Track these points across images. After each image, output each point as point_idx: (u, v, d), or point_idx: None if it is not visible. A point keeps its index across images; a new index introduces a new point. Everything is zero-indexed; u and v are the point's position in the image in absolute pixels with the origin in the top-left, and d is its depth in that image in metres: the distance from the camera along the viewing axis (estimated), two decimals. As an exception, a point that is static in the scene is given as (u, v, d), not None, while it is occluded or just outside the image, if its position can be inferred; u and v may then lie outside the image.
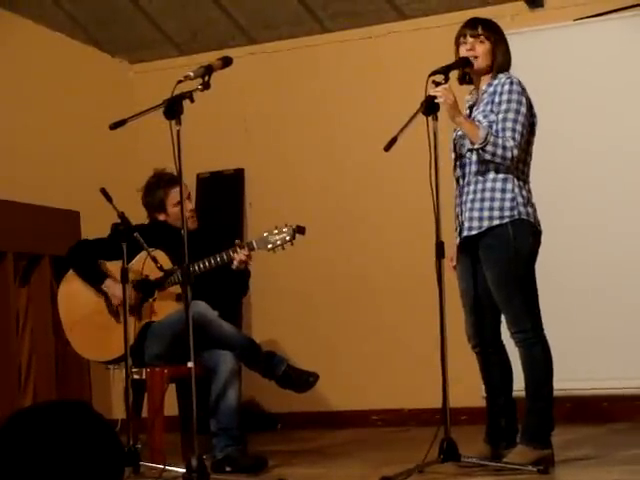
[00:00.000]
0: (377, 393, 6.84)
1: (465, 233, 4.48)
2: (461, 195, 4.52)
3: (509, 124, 4.36)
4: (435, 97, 4.29)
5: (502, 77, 4.47)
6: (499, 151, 4.32)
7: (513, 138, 4.34)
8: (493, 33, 4.52)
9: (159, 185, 5.32)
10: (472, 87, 4.62)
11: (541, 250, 4.49)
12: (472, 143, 4.38)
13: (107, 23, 7.08)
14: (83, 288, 5.19)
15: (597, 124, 6.34)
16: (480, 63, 4.49)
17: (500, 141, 4.32)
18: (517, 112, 4.38)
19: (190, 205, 5.32)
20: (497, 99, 4.42)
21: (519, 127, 4.37)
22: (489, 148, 4.32)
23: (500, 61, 4.51)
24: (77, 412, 3.89)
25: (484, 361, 4.59)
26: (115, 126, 4.47)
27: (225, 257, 4.99)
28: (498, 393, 4.57)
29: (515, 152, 4.33)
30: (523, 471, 4.20)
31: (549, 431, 4.42)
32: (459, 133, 4.51)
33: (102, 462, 3.84)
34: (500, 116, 4.39)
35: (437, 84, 4.34)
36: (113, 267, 5.11)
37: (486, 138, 4.31)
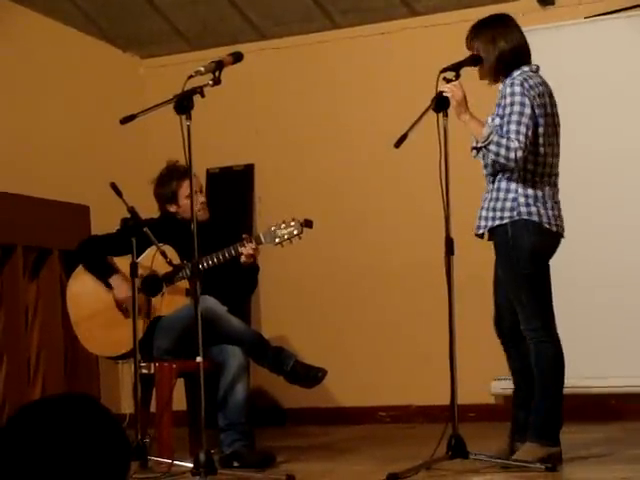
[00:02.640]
0: (385, 389, 6.84)
1: (475, 232, 4.51)
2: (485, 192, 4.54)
3: (513, 126, 4.32)
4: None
5: (510, 77, 4.41)
6: (502, 151, 4.29)
7: (517, 140, 4.30)
8: (481, 36, 4.45)
9: (172, 176, 5.30)
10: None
11: (550, 248, 4.49)
12: (477, 141, 4.38)
13: (118, 18, 7.09)
14: (92, 284, 5.19)
15: (608, 122, 6.33)
16: (485, 65, 4.48)
17: (504, 141, 4.30)
18: (520, 114, 4.33)
19: (202, 198, 5.29)
20: (502, 102, 4.41)
21: (523, 129, 4.32)
22: (492, 147, 4.30)
23: (501, 58, 4.42)
24: (83, 405, 3.89)
25: (506, 354, 4.59)
26: (125, 121, 4.48)
27: (233, 251, 4.99)
28: (519, 387, 4.55)
29: (519, 154, 4.30)
30: (531, 468, 4.19)
31: (557, 428, 4.40)
32: None
33: (109, 456, 3.84)
34: (505, 119, 4.36)
35: (448, 81, 4.34)
36: (122, 262, 5.12)
37: (489, 137, 4.30)
